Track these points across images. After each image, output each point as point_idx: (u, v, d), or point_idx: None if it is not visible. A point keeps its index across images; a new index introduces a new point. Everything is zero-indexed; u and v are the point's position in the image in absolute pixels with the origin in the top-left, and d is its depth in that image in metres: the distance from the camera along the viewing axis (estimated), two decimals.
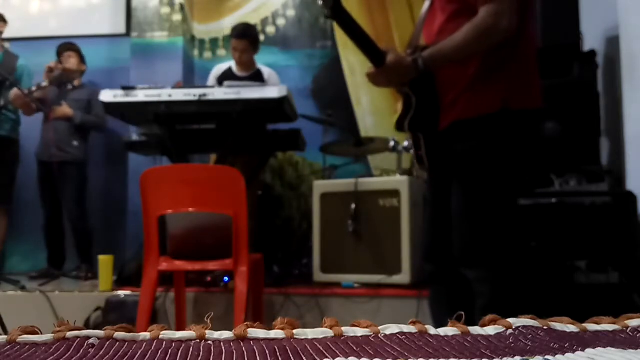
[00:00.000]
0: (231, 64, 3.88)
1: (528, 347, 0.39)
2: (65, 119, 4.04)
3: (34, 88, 3.73)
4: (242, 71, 3.83)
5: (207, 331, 0.41)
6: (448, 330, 0.42)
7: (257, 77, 3.77)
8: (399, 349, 0.38)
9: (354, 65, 4.71)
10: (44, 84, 3.72)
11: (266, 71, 3.88)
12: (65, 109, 4.04)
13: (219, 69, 3.88)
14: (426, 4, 1.74)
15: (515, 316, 0.44)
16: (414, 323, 0.43)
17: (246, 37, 3.76)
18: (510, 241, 1.66)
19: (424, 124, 1.69)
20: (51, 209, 4.08)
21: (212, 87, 3.04)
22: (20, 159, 4.16)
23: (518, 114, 1.61)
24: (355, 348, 0.38)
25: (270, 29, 4.89)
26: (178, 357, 0.37)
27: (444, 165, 1.72)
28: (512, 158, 1.64)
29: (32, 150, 4.18)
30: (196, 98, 2.79)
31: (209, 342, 0.40)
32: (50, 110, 4.03)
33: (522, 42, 1.62)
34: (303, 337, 0.41)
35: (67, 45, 4.17)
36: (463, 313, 0.45)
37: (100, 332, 0.40)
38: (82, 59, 4.24)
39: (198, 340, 0.40)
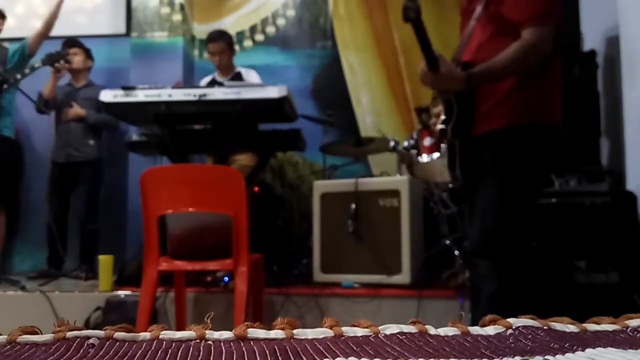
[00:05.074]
0: (214, 75, 3.96)
1: (528, 347, 0.39)
2: (78, 120, 4.04)
3: (27, 71, 3.68)
4: (222, 76, 3.89)
5: (207, 331, 0.41)
6: (448, 330, 0.42)
7: (237, 80, 3.81)
8: (399, 349, 0.38)
9: (354, 65, 4.71)
10: (37, 64, 3.68)
11: (244, 71, 3.95)
12: (77, 110, 4.03)
13: (203, 82, 3.94)
14: (472, 23, 1.85)
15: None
16: (414, 323, 0.43)
17: (221, 38, 3.86)
18: (522, 237, 1.83)
19: (461, 132, 1.84)
20: (59, 209, 4.08)
21: (211, 87, 3.03)
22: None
23: (543, 128, 1.79)
24: (355, 348, 0.38)
25: (270, 29, 4.89)
26: (178, 357, 0.37)
27: (473, 171, 1.87)
28: (535, 166, 1.81)
29: (36, 150, 4.18)
30: (196, 98, 2.79)
31: (209, 342, 0.40)
32: (61, 112, 4.03)
33: (553, 64, 1.80)
34: (303, 337, 0.41)
35: (70, 42, 4.17)
36: (463, 313, 0.45)
37: (100, 332, 0.40)
38: (87, 54, 4.23)
39: (198, 340, 0.40)
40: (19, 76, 3.63)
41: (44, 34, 3.89)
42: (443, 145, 3.12)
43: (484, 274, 1.78)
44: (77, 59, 4.13)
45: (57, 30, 4.00)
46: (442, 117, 1.85)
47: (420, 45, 1.74)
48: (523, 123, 1.78)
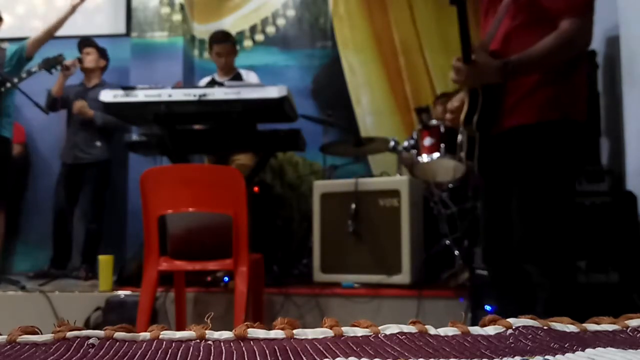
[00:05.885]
0: (213, 75, 3.98)
1: (528, 347, 0.39)
2: (86, 120, 4.02)
3: (24, 75, 3.67)
4: (223, 76, 3.91)
5: (207, 331, 0.41)
6: (448, 330, 0.42)
7: (237, 80, 3.84)
8: (399, 349, 0.38)
9: (354, 65, 4.71)
10: (34, 69, 3.67)
11: (244, 72, 3.99)
12: (83, 107, 3.99)
13: (202, 82, 3.95)
14: (501, 11, 1.76)
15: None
16: (414, 323, 0.43)
17: (227, 40, 3.93)
18: (567, 238, 1.75)
19: (485, 124, 1.77)
20: (65, 210, 4.08)
21: (211, 87, 3.03)
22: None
23: (576, 124, 1.71)
24: (355, 348, 0.38)
25: (270, 29, 4.89)
26: (178, 357, 0.37)
27: (499, 168, 1.79)
28: (570, 163, 1.74)
29: (43, 152, 4.19)
30: (196, 98, 2.79)
31: (209, 342, 0.40)
32: (71, 113, 4.04)
33: (581, 61, 1.74)
34: (303, 337, 0.41)
35: (84, 42, 4.16)
36: (463, 313, 0.45)
37: (100, 332, 0.40)
38: (101, 53, 4.23)
39: (198, 340, 0.40)
40: (15, 80, 3.63)
41: (43, 40, 3.87)
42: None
43: (537, 280, 1.70)
44: (89, 59, 4.14)
45: (57, 31, 4.00)
46: (466, 107, 1.77)
47: (460, 32, 1.65)
48: (555, 117, 1.69)
